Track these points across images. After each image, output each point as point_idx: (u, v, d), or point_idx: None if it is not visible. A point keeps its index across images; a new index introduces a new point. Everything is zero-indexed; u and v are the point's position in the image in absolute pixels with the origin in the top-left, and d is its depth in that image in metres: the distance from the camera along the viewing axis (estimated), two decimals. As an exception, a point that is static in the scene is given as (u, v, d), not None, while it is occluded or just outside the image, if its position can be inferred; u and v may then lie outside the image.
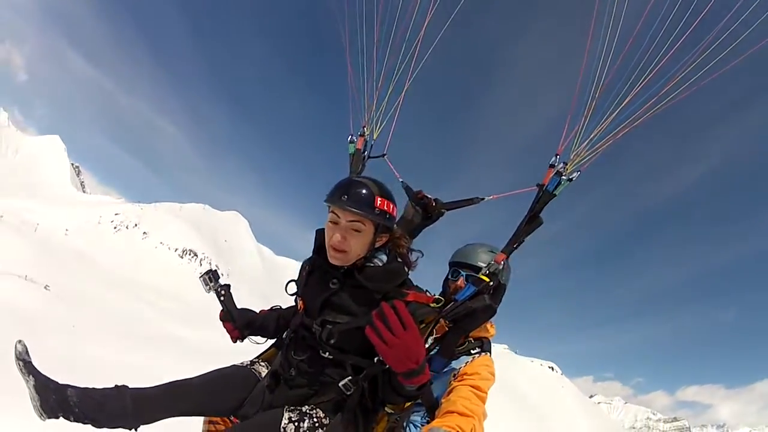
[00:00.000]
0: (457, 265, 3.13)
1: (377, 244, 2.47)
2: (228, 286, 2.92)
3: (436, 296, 2.49)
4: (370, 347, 2.05)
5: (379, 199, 2.34)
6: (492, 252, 3.07)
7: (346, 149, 3.56)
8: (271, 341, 3.05)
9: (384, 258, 2.53)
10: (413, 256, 2.62)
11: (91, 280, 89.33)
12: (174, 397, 2.33)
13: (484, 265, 2.96)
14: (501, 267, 2.87)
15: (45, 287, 59.49)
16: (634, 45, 2.78)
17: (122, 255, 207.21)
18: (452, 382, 2.62)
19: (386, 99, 3.49)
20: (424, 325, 2.53)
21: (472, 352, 2.85)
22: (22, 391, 2.24)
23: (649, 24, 2.77)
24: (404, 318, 1.89)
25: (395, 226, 2.57)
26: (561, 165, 2.92)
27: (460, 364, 2.77)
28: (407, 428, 2.67)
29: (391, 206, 2.41)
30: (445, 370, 2.81)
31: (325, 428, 2.35)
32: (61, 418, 2.10)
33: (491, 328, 3.03)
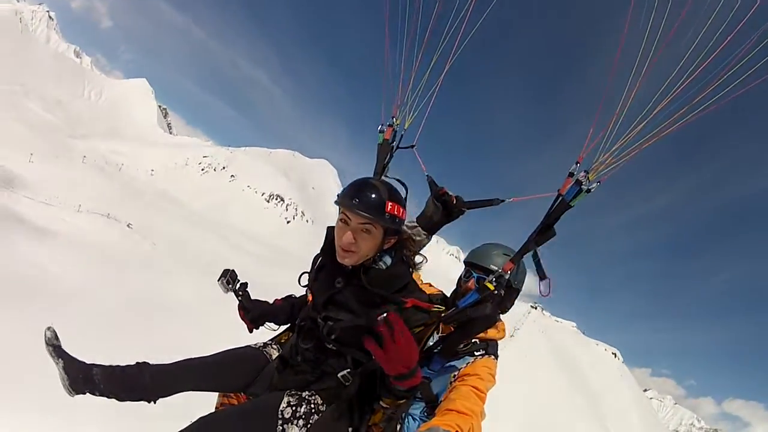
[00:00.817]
0: (470, 266, 3.17)
1: (385, 246, 2.57)
2: (245, 285, 3.19)
3: (437, 302, 2.67)
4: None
5: (389, 203, 2.44)
6: (507, 255, 3.06)
7: (433, 104, 3.57)
8: (285, 326, 3.28)
9: (389, 260, 2.62)
10: (418, 259, 2.86)
11: (174, 220, 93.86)
12: (189, 374, 2.59)
13: (497, 268, 3.00)
14: (507, 276, 2.88)
15: (127, 225, 62.02)
16: (669, 49, 2.58)
17: (208, 197, 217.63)
18: (452, 381, 2.69)
19: (422, 84, 3.46)
20: (422, 327, 2.67)
21: (476, 354, 2.86)
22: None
23: (687, 26, 2.56)
24: (396, 332, 2.06)
25: (405, 227, 2.87)
26: (582, 174, 2.81)
27: (461, 364, 2.80)
28: (406, 420, 2.75)
29: (401, 210, 2.52)
30: (447, 365, 2.87)
31: (320, 414, 2.56)
32: (87, 393, 2.36)
33: (500, 331, 3.06)
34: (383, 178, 3.35)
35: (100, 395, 2.32)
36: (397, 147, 3.54)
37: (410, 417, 2.75)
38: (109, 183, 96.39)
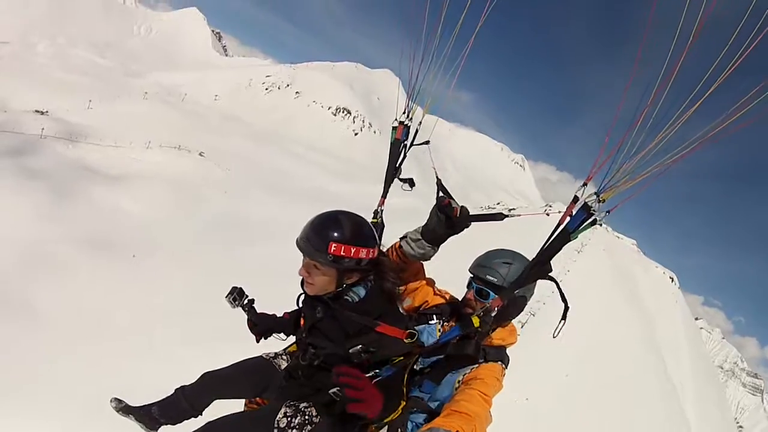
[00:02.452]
0: (472, 276, 3.23)
1: (348, 281, 2.72)
2: (252, 301, 3.42)
3: (410, 331, 2.68)
4: (366, 362, 2.64)
5: (333, 245, 2.57)
6: (508, 264, 3.10)
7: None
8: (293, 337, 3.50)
9: (362, 292, 2.77)
10: (398, 290, 2.93)
11: (244, 142, 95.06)
12: (213, 389, 3.09)
13: (497, 280, 3.06)
14: (494, 313, 2.83)
15: (199, 154, 62.60)
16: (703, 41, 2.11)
17: (275, 115, 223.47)
18: (457, 387, 2.82)
19: (438, 68, 3.40)
20: (403, 357, 2.76)
21: (478, 361, 2.94)
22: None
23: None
24: (353, 383, 2.34)
25: (384, 260, 2.90)
26: (593, 199, 2.46)
27: (464, 372, 2.89)
28: (408, 427, 2.85)
29: (351, 250, 2.61)
30: (448, 379, 2.95)
31: (313, 426, 2.77)
32: (159, 427, 3.07)
33: (511, 335, 3.14)
34: (398, 178, 3.49)
35: (165, 424, 3.04)
36: (411, 145, 3.55)
37: (414, 424, 2.88)
38: (174, 114, 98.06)
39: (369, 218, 3.05)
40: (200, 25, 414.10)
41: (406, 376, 2.85)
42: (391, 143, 3.55)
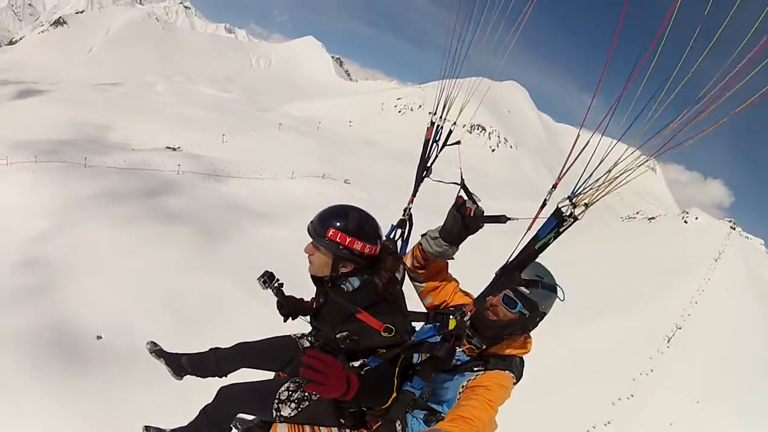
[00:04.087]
0: None
1: (343, 270, 3.01)
2: (281, 285, 3.58)
3: (387, 326, 2.84)
4: (352, 350, 2.92)
5: (331, 230, 2.92)
6: (540, 279, 3.17)
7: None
8: None
9: (357, 283, 3.03)
10: (392, 287, 3.07)
11: (385, 165, 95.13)
12: (242, 358, 3.56)
13: (530, 294, 3.11)
14: (467, 318, 2.87)
15: (345, 181, 62.31)
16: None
17: (410, 137, 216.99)
18: (460, 392, 2.95)
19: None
20: (382, 352, 2.92)
21: (474, 369, 3.08)
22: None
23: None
24: (314, 365, 2.53)
25: (386, 255, 3.12)
26: (566, 204, 2.39)
27: (469, 377, 3.02)
28: (410, 421, 3.01)
29: (347, 240, 2.92)
30: (452, 382, 3.10)
31: (310, 402, 3.10)
32: (185, 375, 3.55)
33: (524, 346, 3.23)
34: (429, 178, 3.69)
35: (191, 375, 3.51)
36: (443, 145, 3.68)
37: (415, 418, 3.01)
38: (312, 143, 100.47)
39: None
40: (319, 52, 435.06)
41: (397, 370, 2.96)
42: (424, 142, 3.62)
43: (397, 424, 3.02)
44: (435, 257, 3.32)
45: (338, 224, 2.95)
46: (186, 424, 3.51)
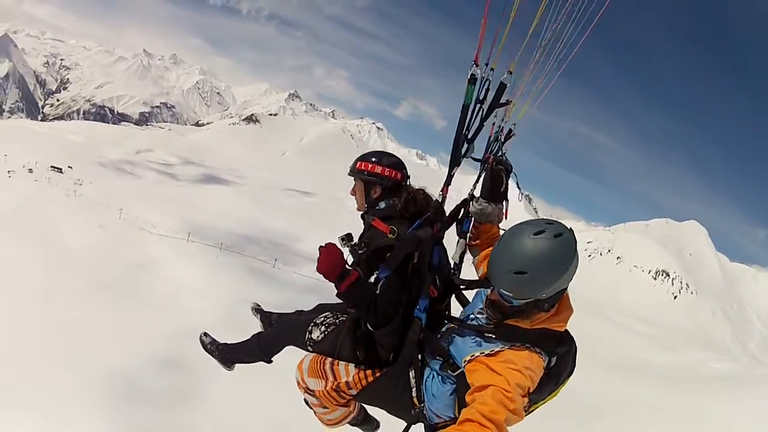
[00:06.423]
0: None
1: (374, 196, 3.61)
2: (357, 245, 3.47)
3: (392, 227, 3.29)
4: (369, 259, 3.31)
5: (360, 162, 3.63)
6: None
7: None
8: None
9: (383, 205, 3.57)
10: (409, 207, 3.50)
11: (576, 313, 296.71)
12: (286, 337, 3.98)
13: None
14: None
15: None
16: None
17: (599, 282, 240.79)
18: (467, 360, 2.78)
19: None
20: (385, 248, 3.24)
21: (490, 337, 2.78)
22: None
23: None
24: (322, 251, 3.10)
25: (410, 185, 3.69)
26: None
27: (482, 350, 2.76)
28: (427, 375, 3.09)
29: (369, 165, 3.59)
30: (466, 341, 2.91)
31: (335, 327, 3.62)
32: (232, 365, 4.33)
33: (558, 315, 2.81)
34: (470, 157, 3.82)
35: (239, 362, 4.26)
36: (493, 106, 3.55)
37: (434, 372, 3.03)
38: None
39: None
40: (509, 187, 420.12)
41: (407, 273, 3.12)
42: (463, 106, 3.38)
43: (411, 375, 3.07)
44: (479, 218, 3.58)
45: (364, 157, 3.63)
46: (238, 341, 4.23)
